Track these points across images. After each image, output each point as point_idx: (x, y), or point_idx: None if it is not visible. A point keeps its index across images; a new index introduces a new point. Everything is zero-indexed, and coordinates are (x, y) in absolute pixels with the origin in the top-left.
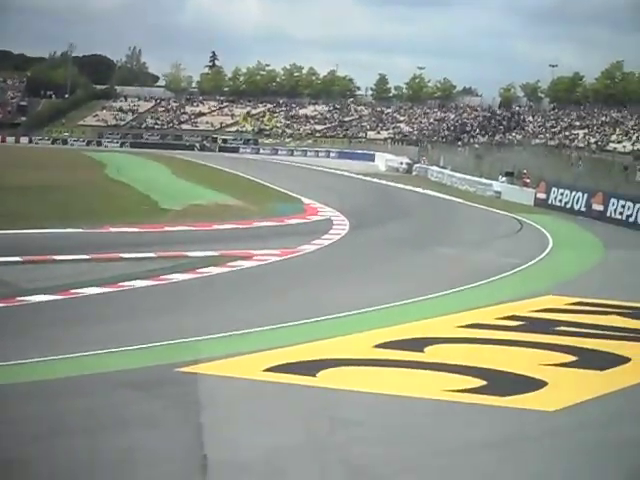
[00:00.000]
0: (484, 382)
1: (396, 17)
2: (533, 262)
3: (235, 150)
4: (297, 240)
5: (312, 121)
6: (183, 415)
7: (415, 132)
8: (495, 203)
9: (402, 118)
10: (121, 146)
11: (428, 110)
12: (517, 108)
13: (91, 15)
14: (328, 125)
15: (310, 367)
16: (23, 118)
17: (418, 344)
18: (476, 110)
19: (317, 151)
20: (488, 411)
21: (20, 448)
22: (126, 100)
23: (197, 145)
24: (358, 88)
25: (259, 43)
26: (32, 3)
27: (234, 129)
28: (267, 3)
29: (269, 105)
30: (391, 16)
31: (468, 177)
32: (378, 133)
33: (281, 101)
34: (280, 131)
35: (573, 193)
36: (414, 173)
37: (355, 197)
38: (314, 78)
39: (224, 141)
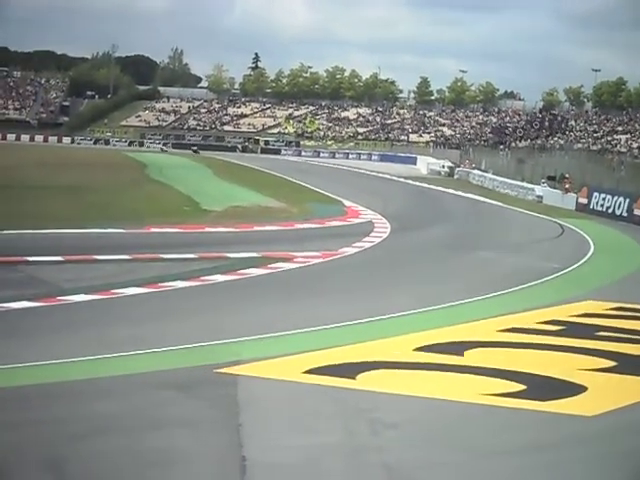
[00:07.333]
0: (523, 386)
1: (441, 20)
2: (574, 267)
3: (277, 152)
4: (338, 242)
5: (354, 124)
6: (223, 416)
7: (457, 135)
8: (536, 207)
9: (444, 121)
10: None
11: (470, 114)
12: (560, 112)
13: (134, 16)
14: (370, 128)
15: (350, 369)
16: (65, 118)
17: (458, 348)
18: (518, 114)
19: (359, 154)
20: (527, 415)
21: (58, 448)
22: (168, 101)
23: (239, 146)
24: (400, 91)
25: (302, 45)
26: (76, 4)
27: (276, 131)
28: (311, 5)
29: (311, 107)
30: (436, 19)
31: (509, 181)
32: (420, 136)
33: (323, 103)
34: (322, 133)
35: (615, 198)
36: (456, 176)
37: (396, 200)
38: (357, 81)
39: (266, 143)
